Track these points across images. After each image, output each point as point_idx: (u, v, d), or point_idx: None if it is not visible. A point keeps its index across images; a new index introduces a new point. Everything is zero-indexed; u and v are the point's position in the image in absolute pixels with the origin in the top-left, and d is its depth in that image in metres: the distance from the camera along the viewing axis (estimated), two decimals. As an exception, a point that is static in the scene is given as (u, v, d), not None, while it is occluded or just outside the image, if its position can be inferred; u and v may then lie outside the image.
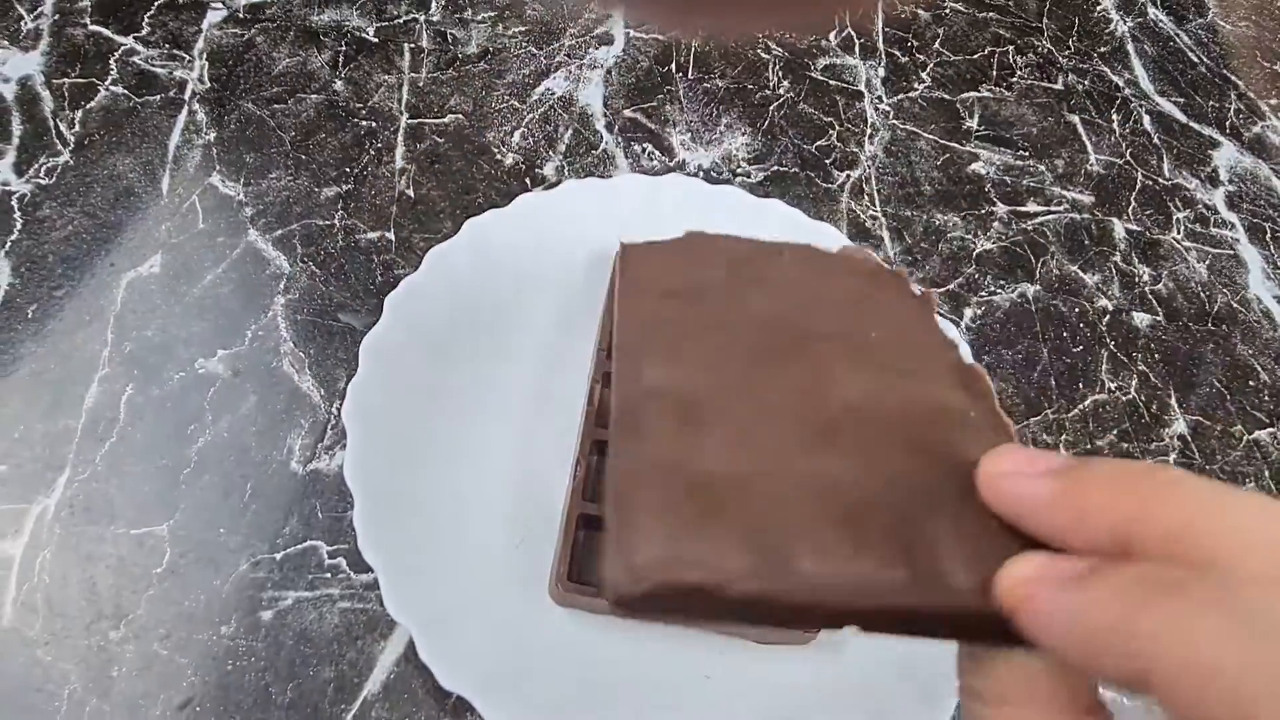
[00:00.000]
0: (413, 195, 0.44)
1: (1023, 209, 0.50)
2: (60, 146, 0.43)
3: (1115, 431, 0.42)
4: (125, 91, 0.45)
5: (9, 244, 0.39)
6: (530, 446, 0.35)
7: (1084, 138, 0.55)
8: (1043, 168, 0.53)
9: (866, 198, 0.49)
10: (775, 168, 0.50)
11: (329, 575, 0.33)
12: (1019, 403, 0.42)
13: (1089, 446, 0.41)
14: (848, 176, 0.50)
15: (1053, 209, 0.51)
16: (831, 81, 0.54)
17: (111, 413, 0.35)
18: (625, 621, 0.32)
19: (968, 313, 0.45)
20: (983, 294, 0.46)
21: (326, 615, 0.32)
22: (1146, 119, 0.56)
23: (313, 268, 0.41)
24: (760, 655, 0.32)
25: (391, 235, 0.42)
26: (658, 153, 0.48)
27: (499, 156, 0.46)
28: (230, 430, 0.35)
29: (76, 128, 0.43)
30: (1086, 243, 0.50)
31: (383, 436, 0.33)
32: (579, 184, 0.41)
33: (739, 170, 0.49)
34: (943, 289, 0.46)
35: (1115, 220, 0.51)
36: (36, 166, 0.42)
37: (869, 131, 0.52)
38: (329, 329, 0.39)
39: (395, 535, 0.31)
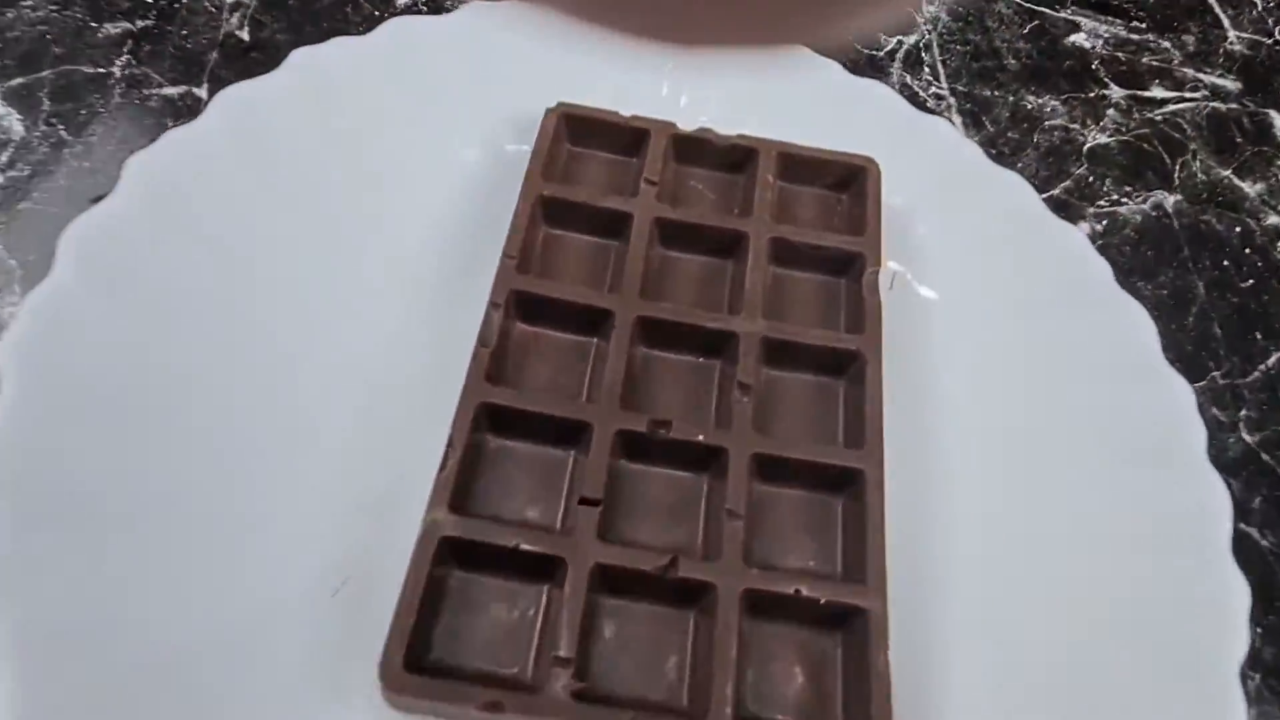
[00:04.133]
0: (246, 39, 0.29)
1: (1146, 94, 0.35)
2: None
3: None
4: None
5: None
6: (366, 422, 0.20)
7: (1217, 10, 0.40)
8: (1166, 44, 0.37)
9: (927, 70, 0.34)
10: (795, 26, 0.34)
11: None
12: (1172, 359, 0.27)
13: (1286, 427, 0.26)
14: (899, 43, 0.35)
15: (1187, 95, 0.36)
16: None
17: None
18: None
19: (1084, 228, 0.30)
20: (1102, 203, 0.31)
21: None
22: (1297, -9, 0.41)
23: (63, 134, 0.26)
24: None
25: (203, 92, 0.27)
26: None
27: (388, -6, 0.31)
28: None
29: None
30: (1239, 140, 0.35)
31: (77, 395, 0.18)
32: (483, 8, 0.26)
33: (743, 28, 0.34)
34: (1045, 194, 0.31)
35: (1274, 113, 0.36)
36: None
37: (926, -12, 0.37)
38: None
39: (55, 575, 0.16)
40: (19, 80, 0.26)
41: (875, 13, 0.07)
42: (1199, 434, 0.21)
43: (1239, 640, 0.18)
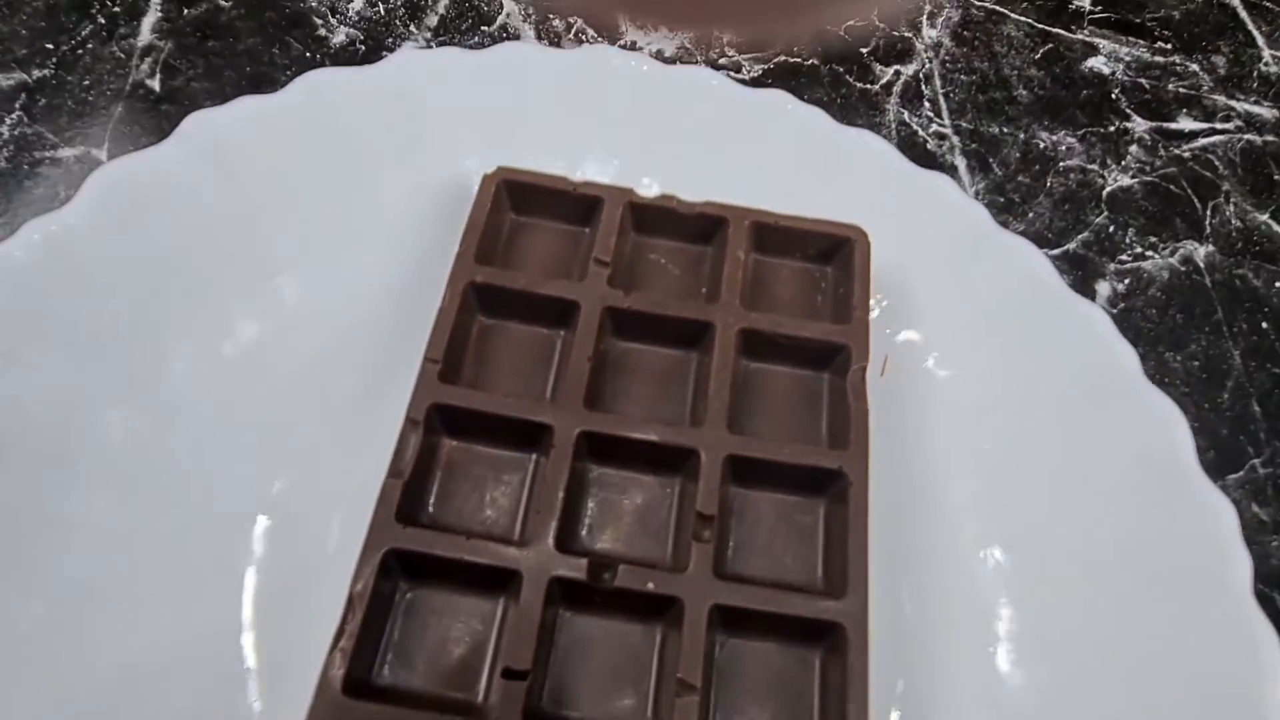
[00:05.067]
0: (158, 89, 0.26)
1: (1172, 126, 0.32)
2: None
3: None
4: None
5: None
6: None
7: (1249, 26, 0.36)
8: (1195, 67, 0.34)
9: (928, 105, 0.31)
10: (781, 58, 0.31)
11: None
12: (1203, 446, 0.23)
13: (1339, 527, 0.23)
14: (897, 74, 0.31)
15: (1218, 127, 0.32)
16: (869, -67, 0.35)
17: None
18: None
19: (1103, 288, 0.27)
20: (1124, 258, 0.28)
21: None
22: (1337, 2, 0.37)
23: (-62, 205, 0.23)
24: None
25: (103, 154, 0.24)
26: (591, 30, 0.30)
27: (323, 31, 0.28)
28: None
29: None
30: (1277, 178, 0.31)
31: None
32: (421, 56, 0.23)
33: (723, 60, 0.30)
34: (1059, 249, 0.28)
35: (1316, 145, 0.32)
36: None
37: (928, 8, 0.34)
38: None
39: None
40: (-108, 143, 0.23)
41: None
42: (1243, 565, 0.18)
43: None
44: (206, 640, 0.16)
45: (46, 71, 0.26)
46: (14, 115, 0.24)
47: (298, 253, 0.20)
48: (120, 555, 0.16)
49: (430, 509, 0.18)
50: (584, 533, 0.18)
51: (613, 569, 0.17)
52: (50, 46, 0.26)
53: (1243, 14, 0.36)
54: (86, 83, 0.25)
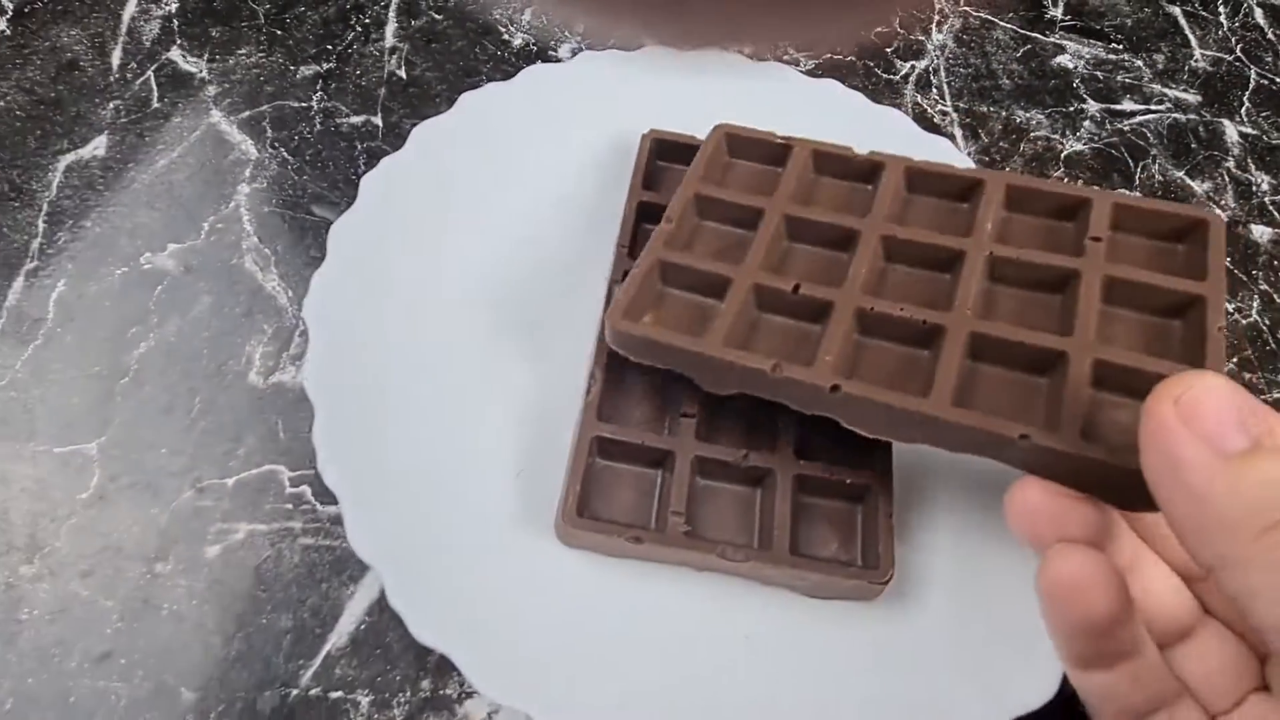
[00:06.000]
0: (404, 76, 0.37)
1: (1118, 107, 0.43)
2: (-4, 15, 0.37)
3: (1235, 359, 0.35)
4: (77, -41, 0.39)
5: (-71, 119, 0.34)
6: (533, 357, 0.29)
7: (1186, 31, 0.47)
8: (1140, 63, 0.45)
9: (934, 91, 0.42)
10: (828, 55, 0.42)
11: (290, 506, 0.27)
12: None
13: (1205, 376, 0.35)
14: (912, 67, 0.43)
15: (1153, 108, 0.43)
16: (893, -40, 0.46)
17: (38, 312, 0.30)
18: (646, 567, 0.26)
19: (1056, 221, 0.38)
20: (1073, 201, 0.39)
21: (285, 553, 0.26)
22: (1259, 11, 0.48)
23: (284, 154, 0.34)
24: (813, 612, 0.26)
25: (378, 120, 0.36)
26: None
27: (506, 36, 0.40)
28: (179, 335, 0.30)
29: (16, -6, 0.38)
30: (1194, 146, 0.42)
31: (352, 339, 0.27)
32: (596, 56, 0.35)
33: (785, 57, 0.42)
34: (1026, 194, 0.39)
35: (1226, 122, 0.43)
36: (-33, 36, 0.36)
37: (936, 18, 0.45)
38: (301, 223, 0.33)
39: (364, 457, 0.25)
40: (247, 113, 0.35)
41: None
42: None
43: None
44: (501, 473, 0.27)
45: (331, 65, 0.37)
46: (317, 94, 0.36)
47: (525, 186, 0.32)
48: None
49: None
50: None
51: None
52: (330, 48, 0.38)
53: (1181, 21, 0.47)
54: (358, 73, 0.37)
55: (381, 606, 0.26)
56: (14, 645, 0.24)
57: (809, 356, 0.24)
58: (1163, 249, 0.26)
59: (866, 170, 0.29)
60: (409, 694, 0.24)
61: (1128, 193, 0.26)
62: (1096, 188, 0.26)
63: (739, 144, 0.30)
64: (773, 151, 0.30)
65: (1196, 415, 0.16)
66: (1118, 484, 0.20)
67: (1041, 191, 0.27)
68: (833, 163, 0.29)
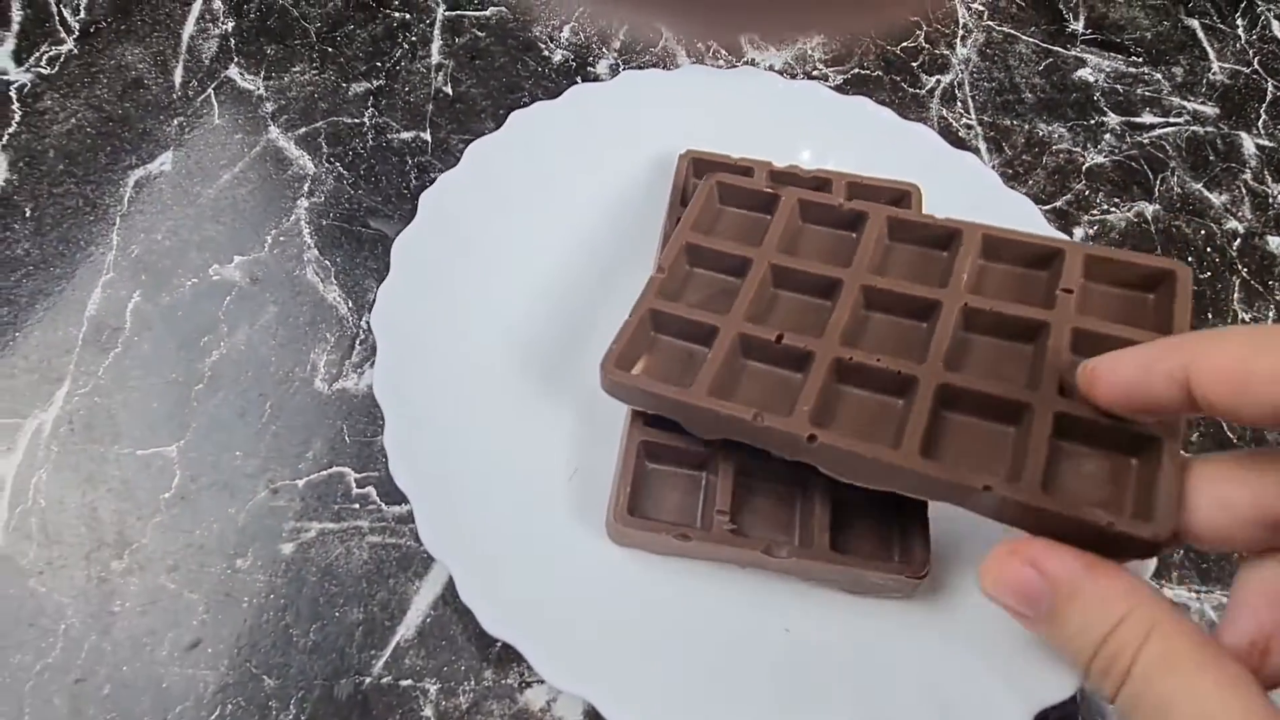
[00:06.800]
0: (450, 93, 0.39)
1: (1137, 120, 0.44)
2: (64, 34, 0.39)
3: (1252, 368, 0.37)
4: (136, -21, 0.41)
5: (6, 137, 0.35)
6: (584, 365, 0.30)
7: (1205, 44, 0.48)
8: (1159, 76, 0.46)
9: (959, 104, 0.43)
10: (856, 70, 0.44)
11: (357, 506, 0.29)
12: (1139, 333, 0.37)
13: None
14: (938, 81, 0.44)
15: (1171, 121, 0.45)
16: (919, -25, 0.48)
17: (116, 321, 0.31)
18: (693, 564, 0.27)
19: (1078, 232, 0.40)
20: (1095, 212, 0.41)
21: (354, 550, 0.28)
22: (1276, 24, 0.49)
23: (340, 169, 0.36)
24: (851, 608, 0.27)
25: (427, 136, 0.38)
26: (724, 51, 0.43)
27: (546, 53, 0.41)
28: (248, 343, 0.31)
29: (82, 14, 0.39)
30: (1212, 158, 0.43)
31: (417, 348, 0.29)
32: (638, 75, 0.36)
33: (815, 73, 0.43)
34: (1049, 206, 0.40)
35: (1244, 134, 0.45)
36: (38, 55, 0.38)
37: (960, 33, 0.46)
38: (358, 236, 0.34)
39: (431, 459, 0.27)
40: (303, 129, 0.37)
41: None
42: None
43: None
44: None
45: (381, 81, 0.39)
46: (369, 110, 0.38)
47: (573, 200, 0.34)
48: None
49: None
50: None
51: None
52: (379, 65, 0.40)
53: (1200, 34, 0.48)
54: (406, 89, 0.39)
55: (445, 601, 0.27)
56: (109, 635, 0.26)
57: (789, 405, 0.25)
58: (1133, 299, 0.26)
59: (850, 219, 0.30)
60: (473, 683, 0.26)
61: (1094, 246, 0.27)
62: (1068, 238, 0.27)
63: (729, 191, 0.31)
64: (761, 200, 0.31)
65: (1005, 597, 0.19)
66: (1078, 534, 0.21)
67: (1016, 242, 0.28)
68: (818, 211, 0.30)
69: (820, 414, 0.25)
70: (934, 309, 0.27)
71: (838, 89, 0.41)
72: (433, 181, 0.32)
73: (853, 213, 0.30)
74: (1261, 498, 0.18)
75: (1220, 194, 0.42)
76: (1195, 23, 0.49)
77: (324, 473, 0.29)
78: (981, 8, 0.47)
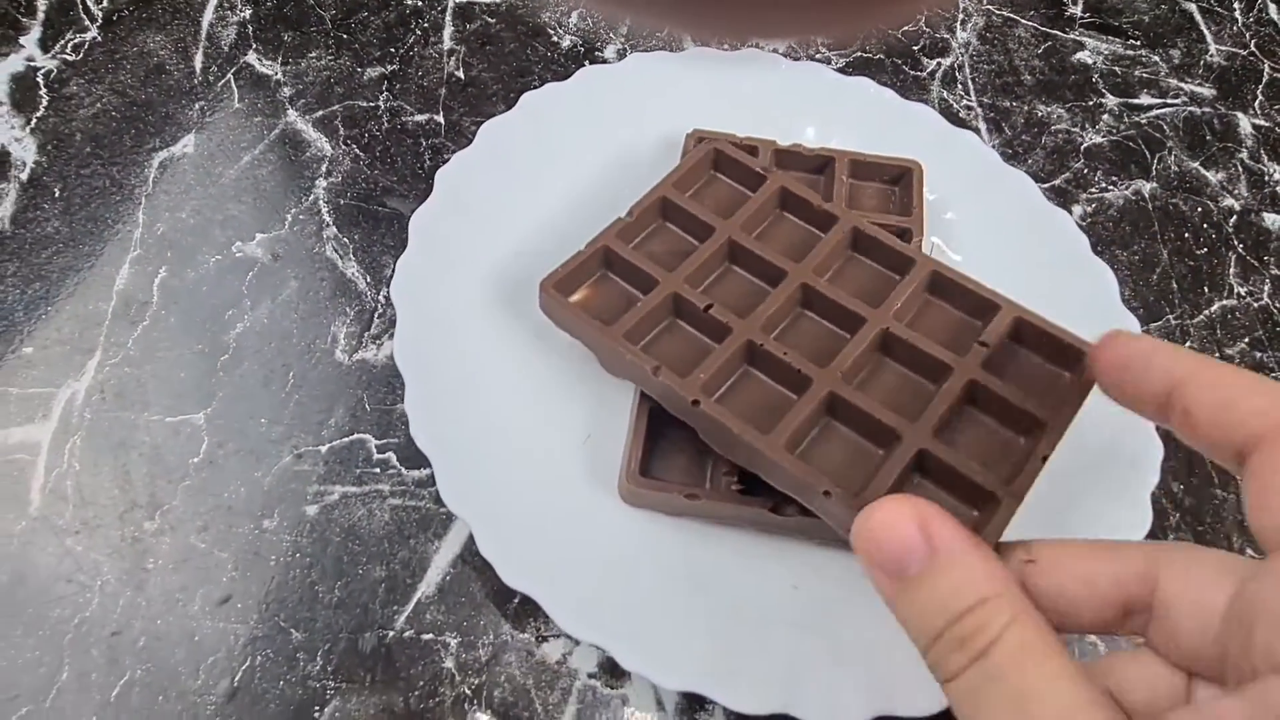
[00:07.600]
0: (462, 77, 0.40)
1: (1135, 101, 0.45)
2: (88, 22, 0.40)
3: (1247, 340, 0.37)
4: (156, -32, 0.42)
5: (35, 121, 0.36)
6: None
7: (1202, 26, 0.49)
8: (1156, 58, 0.47)
9: (960, 87, 0.44)
10: (858, 54, 0.45)
11: (378, 470, 0.30)
12: (1137, 307, 0.38)
13: (1218, 355, 0.37)
14: (938, 64, 0.45)
15: (1169, 102, 0.45)
16: (919, -38, 0.49)
17: (144, 295, 0.33)
18: (703, 525, 0.28)
19: (1076, 210, 0.41)
20: (1093, 190, 0.42)
21: (376, 512, 0.29)
22: (1273, 7, 0.50)
23: (356, 150, 0.37)
24: (854, 565, 0.28)
25: (440, 118, 0.39)
26: (728, 35, 0.44)
27: (555, 38, 0.42)
28: (270, 316, 0.32)
29: (104, 3, 0.40)
30: (1208, 138, 0.44)
31: (435, 318, 0.30)
32: (646, 57, 0.37)
33: (818, 56, 0.44)
34: (1047, 184, 0.41)
35: (1240, 115, 0.45)
36: (63, 42, 0.39)
37: (960, 17, 0.47)
38: (375, 214, 0.35)
39: (450, 423, 0.28)
40: (320, 112, 0.38)
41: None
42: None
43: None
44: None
45: (394, 66, 0.40)
46: (384, 94, 0.39)
47: (582, 177, 0.35)
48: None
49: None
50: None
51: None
52: (393, 50, 0.41)
53: (1197, 17, 0.49)
54: (419, 74, 0.40)
55: (464, 559, 0.28)
56: (143, 591, 0.27)
57: (690, 369, 0.26)
58: (1048, 371, 0.27)
59: (822, 219, 0.31)
60: (492, 637, 0.27)
61: (1032, 313, 0.28)
62: (1010, 298, 0.28)
63: (724, 161, 0.32)
64: (750, 177, 0.32)
65: (877, 547, 0.19)
66: None
67: (960, 286, 0.29)
68: (796, 203, 0.31)
69: (714, 385, 0.27)
70: (859, 324, 0.28)
71: (840, 71, 0.42)
72: (447, 161, 0.33)
73: (826, 214, 0.31)
74: (1123, 579, 0.18)
75: (1217, 172, 0.43)
76: (1193, 6, 0.50)
77: (346, 439, 0.30)
78: (981, -8, 0.48)
